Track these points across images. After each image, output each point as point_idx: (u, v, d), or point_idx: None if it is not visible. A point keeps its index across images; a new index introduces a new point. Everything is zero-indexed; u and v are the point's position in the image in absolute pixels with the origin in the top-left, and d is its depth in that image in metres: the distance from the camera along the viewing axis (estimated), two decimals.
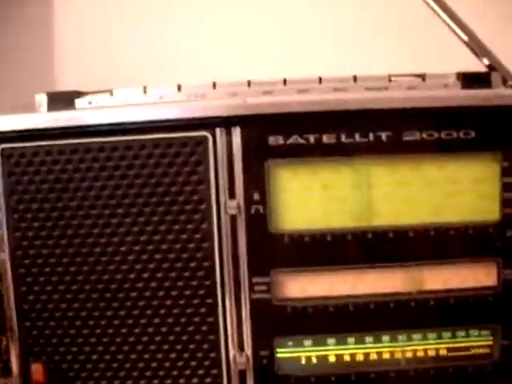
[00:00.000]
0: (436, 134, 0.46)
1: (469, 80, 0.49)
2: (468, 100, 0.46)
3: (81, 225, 0.47)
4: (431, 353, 0.48)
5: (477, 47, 0.57)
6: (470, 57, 0.57)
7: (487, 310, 0.48)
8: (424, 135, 0.46)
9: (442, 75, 0.50)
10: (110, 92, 0.48)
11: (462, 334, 0.48)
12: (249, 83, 0.48)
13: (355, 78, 0.48)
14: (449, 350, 0.48)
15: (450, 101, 0.46)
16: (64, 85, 0.77)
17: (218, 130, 0.46)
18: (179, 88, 0.48)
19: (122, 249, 0.46)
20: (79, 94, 0.49)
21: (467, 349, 0.48)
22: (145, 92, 0.48)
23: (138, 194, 0.46)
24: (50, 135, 0.46)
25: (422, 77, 0.49)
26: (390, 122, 0.46)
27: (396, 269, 0.47)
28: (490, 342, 0.48)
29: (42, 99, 0.48)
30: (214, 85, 0.48)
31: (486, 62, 0.57)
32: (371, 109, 0.46)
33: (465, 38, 0.57)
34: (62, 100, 0.48)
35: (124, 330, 0.47)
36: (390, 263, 0.47)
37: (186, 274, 0.46)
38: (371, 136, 0.46)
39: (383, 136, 0.46)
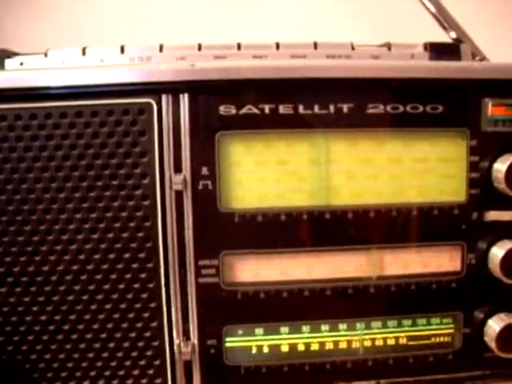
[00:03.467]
0: (401, 108, 0.43)
1: (437, 51, 0.46)
2: (436, 72, 0.43)
3: (10, 200, 0.42)
4: (391, 342, 0.45)
5: (444, 20, 0.54)
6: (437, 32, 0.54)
7: (449, 296, 0.45)
8: (388, 108, 0.43)
9: (408, 45, 0.46)
10: (45, 53, 0.44)
11: (423, 321, 0.45)
12: (199, 47, 0.44)
13: (315, 45, 0.44)
14: (409, 338, 0.46)
15: (416, 72, 0.43)
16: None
17: (163, 97, 0.41)
18: (122, 50, 0.44)
19: (56, 227, 0.42)
20: (10, 54, 0.44)
21: (428, 337, 0.46)
22: (83, 54, 0.44)
23: (74, 167, 0.41)
24: None
25: (388, 46, 0.46)
26: (352, 93, 0.42)
27: (355, 252, 0.44)
28: (452, 331, 0.46)
29: None
30: (161, 47, 0.44)
31: (454, 35, 0.54)
32: (332, 78, 0.42)
33: (433, 9, 0.54)
34: None
35: (58, 317, 0.42)
36: (348, 246, 0.44)
37: (127, 255, 0.42)
38: (331, 108, 0.42)
39: (344, 108, 0.42)
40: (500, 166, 0.43)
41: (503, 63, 0.45)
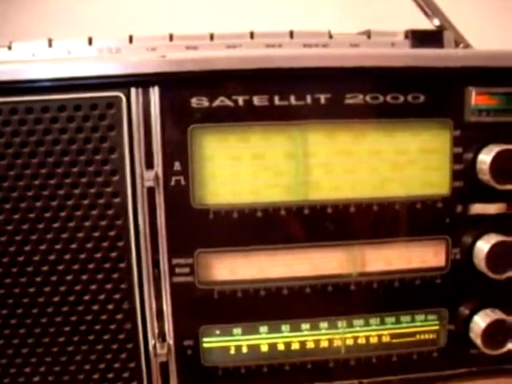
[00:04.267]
0: (381, 98, 0.41)
1: (419, 38, 0.44)
2: (417, 60, 0.41)
3: None
4: (373, 340, 0.44)
5: (427, 6, 0.52)
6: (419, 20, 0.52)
7: (434, 292, 0.44)
8: (368, 98, 0.41)
9: (389, 33, 0.45)
10: (9, 46, 0.42)
11: (407, 319, 0.44)
12: (171, 37, 0.42)
13: (291, 34, 0.43)
14: (392, 336, 0.44)
15: (397, 60, 0.41)
16: None
17: (133, 90, 0.39)
18: (90, 41, 0.42)
19: (24, 227, 0.40)
20: None
21: (412, 335, 0.44)
22: (50, 45, 0.42)
23: (41, 164, 0.40)
24: None
25: (367, 34, 0.44)
26: (330, 83, 0.41)
27: (335, 248, 0.42)
28: (437, 327, 0.45)
29: None
30: (131, 38, 0.42)
31: (437, 22, 0.52)
32: (308, 67, 0.40)
33: None
34: None
35: (29, 321, 0.41)
36: (328, 242, 0.42)
37: (98, 255, 0.40)
38: (308, 98, 0.41)
39: (322, 99, 0.41)
40: (484, 157, 0.42)
41: (487, 50, 0.43)
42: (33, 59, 0.41)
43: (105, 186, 0.40)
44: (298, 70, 0.40)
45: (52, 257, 0.40)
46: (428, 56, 0.42)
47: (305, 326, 0.43)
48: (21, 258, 0.40)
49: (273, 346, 0.43)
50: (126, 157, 0.40)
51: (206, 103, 0.40)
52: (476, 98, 0.42)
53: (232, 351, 0.43)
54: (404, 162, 0.43)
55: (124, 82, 0.40)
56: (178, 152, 0.40)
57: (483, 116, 0.43)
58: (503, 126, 0.43)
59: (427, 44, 0.44)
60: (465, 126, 0.42)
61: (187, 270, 0.41)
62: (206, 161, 0.41)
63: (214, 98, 0.40)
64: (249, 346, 0.43)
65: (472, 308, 0.44)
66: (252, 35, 0.42)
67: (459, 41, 0.49)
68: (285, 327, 0.43)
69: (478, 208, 0.43)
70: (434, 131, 0.43)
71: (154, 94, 0.40)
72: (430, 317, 0.44)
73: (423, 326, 0.44)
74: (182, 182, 0.40)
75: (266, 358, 0.43)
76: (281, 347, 0.43)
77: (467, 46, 0.51)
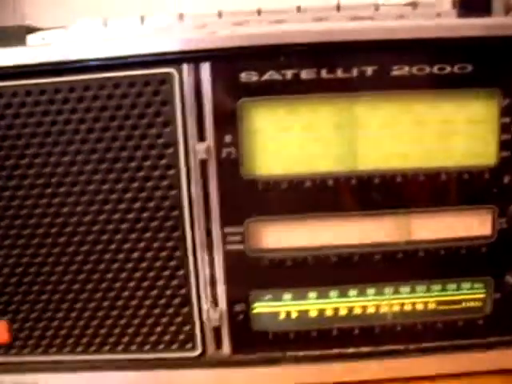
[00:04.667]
0: (428, 69, 0.42)
1: (466, 7, 0.44)
2: (464, 30, 0.41)
3: (39, 174, 0.42)
4: (419, 307, 0.45)
5: None
6: None
7: (480, 261, 0.44)
8: (414, 70, 0.41)
9: (435, 3, 0.45)
10: (66, 27, 0.44)
11: (453, 286, 0.45)
12: (219, 14, 0.43)
13: (338, 7, 0.43)
14: (438, 303, 0.45)
15: (443, 31, 0.41)
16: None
17: (185, 66, 0.41)
18: (142, 20, 0.43)
19: (83, 199, 0.42)
20: (31, 30, 0.44)
21: (458, 302, 0.45)
22: (105, 26, 0.44)
23: (98, 140, 0.42)
24: None
25: (413, 5, 0.44)
26: (376, 56, 0.41)
27: (382, 217, 0.43)
28: (483, 295, 0.45)
29: None
30: (181, 16, 0.43)
31: None
32: (355, 40, 0.40)
33: None
34: (11, 36, 0.43)
35: (90, 286, 0.44)
36: (375, 211, 0.43)
37: (154, 224, 0.42)
38: (355, 71, 0.41)
39: (368, 71, 0.41)
40: None
41: None
42: (88, 39, 0.43)
43: (159, 158, 0.42)
44: (344, 43, 0.41)
45: (110, 226, 0.43)
46: (475, 25, 0.41)
47: (352, 292, 0.44)
48: (82, 228, 0.43)
49: (321, 312, 0.45)
50: (179, 130, 0.41)
51: (255, 77, 0.41)
52: None
53: (282, 316, 0.45)
54: (451, 132, 0.43)
55: (176, 59, 0.41)
56: (229, 125, 0.42)
57: None
58: None
59: (475, 12, 0.43)
60: None
61: (238, 238, 0.43)
62: (256, 133, 0.42)
63: (262, 73, 0.41)
64: (298, 312, 0.45)
65: None
66: (299, 9, 0.43)
67: (510, 6, 0.48)
68: (333, 293, 0.44)
69: None
70: (481, 101, 0.43)
71: (205, 69, 0.41)
72: (476, 285, 0.45)
73: (469, 294, 0.45)
74: (233, 154, 0.42)
75: (314, 323, 0.45)
76: (329, 313, 0.45)
77: None
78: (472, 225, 0.44)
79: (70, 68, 0.41)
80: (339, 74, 0.41)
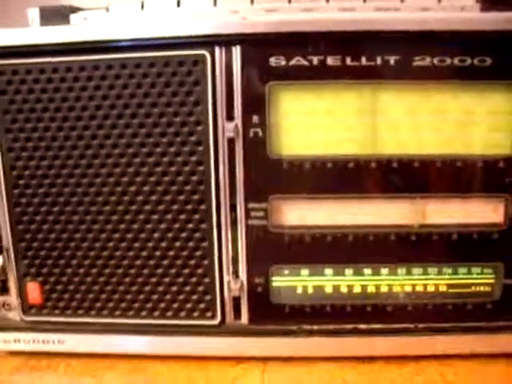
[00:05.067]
0: (448, 60, 0.44)
1: (489, 1, 0.45)
2: (485, 24, 0.43)
3: (75, 146, 0.45)
4: (431, 288, 0.47)
5: None
6: None
7: (491, 247, 0.46)
8: (435, 61, 0.43)
9: None
10: (106, 8, 0.46)
11: (464, 270, 0.47)
12: (251, 1, 0.45)
13: None
14: (449, 286, 0.47)
15: (465, 24, 0.43)
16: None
17: (217, 49, 0.43)
18: (178, 4, 0.46)
19: (117, 170, 0.45)
20: (74, 10, 0.47)
21: (468, 286, 0.47)
22: (142, 8, 0.46)
23: (133, 115, 0.44)
24: (43, 51, 0.44)
25: None
26: (399, 46, 0.43)
27: (399, 200, 0.45)
28: (492, 281, 0.47)
29: (34, 14, 0.46)
30: (215, 1, 0.45)
31: None
32: (379, 30, 0.43)
33: None
34: (55, 15, 0.46)
35: (119, 253, 0.46)
36: (392, 194, 0.45)
37: (181, 197, 0.45)
38: (379, 60, 0.43)
39: (391, 60, 0.43)
40: None
41: None
42: (127, 20, 0.45)
43: (189, 135, 0.44)
44: (369, 32, 0.43)
45: (140, 197, 0.45)
46: (496, 19, 0.43)
47: (367, 270, 0.46)
48: (113, 198, 0.46)
49: (336, 288, 0.47)
50: (209, 109, 0.44)
51: (283, 62, 0.43)
52: None
53: (299, 290, 0.47)
54: (468, 122, 0.45)
55: (209, 42, 0.43)
56: (257, 106, 0.44)
57: None
58: None
59: (498, 6, 0.45)
60: None
61: (261, 213, 0.45)
62: (282, 115, 0.44)
63: (290, 58, 0.43)
64: (314, 287, 0.47)
65: None
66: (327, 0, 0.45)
67: None
68: (348, 271, 0.47)
69: None
70: (500, 93, 0.44)
71: (236, 52, 0.43)
72: (486, 270, 0.47)
73: (479, 279, 0.47)
74: (260, 134, 0.44)
75: (329, 298, 0.47)
76: (344, 289, 0.47)
77: None
78: (485, 212, 0.46)
79: (109, 47, 0.44)
80: (363, 61, 0.43)
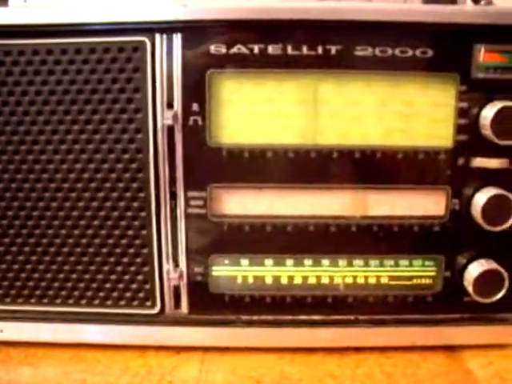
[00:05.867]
0: (390, 51, 0.44)
1: None
2: (429, 16, 0.43)
3: (15, 131, 0.45)
4: (372, 280, 0.47)
5: None
6: None
7: (432, 240, 0.46)
8: (377, 51, 0.43)
9: None
10: None
11: (405, 262, 0.47)
12: None
13: None
14: (390, 278, 0.47)
15: (408, 16, 0.43)
16: None
17: (157, 36, 0.43)
18: None
19: (56, 157, 0.45)
20: None
21: (409, 278, 0.47)
22: None
23: (73, 101, 0.44)
24: None
25: None
26: (341, 36, 0.43)
27: (340, 191, 0.45)
28: (433, 273, 0.47)
29: None
30: None
31: None
32: (321, 20, 0.42)
33: None
34: None
35: (58, 240, 0.46)
36: (333, 185, 0.45)
37: (121, 185, 0.45)
38: (320, 49, 0.43)
39: (333, 50, 0.43)
40: (487, 113, 0.43)
41: (498, 7, 0.45)
42: (69, 4, 0.45)
43: (129, 122, 0.44)
44: (310, 21, 0.43)
45: (79, 185, 0.45)
46: (438, 11, 0.43)
47: (307, 261, 0.46)
48: (53, 185, 0.45)
49: (277, 279, 0.47)
50: (148, 97, 0.43)
51: (223, 50, 0.43)
52: (484, 55, 0.44)
53: (239, 280, 0.47)
54: (409, 113, 0.45)
55: (149, 29, 0.43)
56: (197, 94, 0.44)
57: (490, 73, 0.44)
58: (509, 84, 0.44)
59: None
60: (471, 82, 0.44)
61: (201, 202, 0.45)
62: (222, 103, 0.44)
63: (231, 46, 0.43)
64: (254, 277, 0.47)
65: (468, 257, 0.47)
66: None
67: None
68: (289, 262, 0.46)
69: (479, 162, 0.45)
70: (440, 85, 0.44)
71: (177, 40, 0.43)
72: (427, 262, 0.47)
73: (420, 271, 0.47)
74: (199, 122, 0.44)
75: (269, 289, 0.47)
76: (284, 280, 0.47)
77: (489, 2, 0.52)
78: (426, 204, 0.46)
79: (48, 31, 0.43)
80: (304, 51, 0.43)
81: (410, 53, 0.44)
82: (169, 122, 0.44)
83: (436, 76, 0.44)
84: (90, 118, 0.44)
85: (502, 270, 0.46)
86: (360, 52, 0.43)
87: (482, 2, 0.50)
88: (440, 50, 0.44)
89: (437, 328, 0.48)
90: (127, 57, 0.43)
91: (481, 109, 0.44)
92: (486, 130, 0.44)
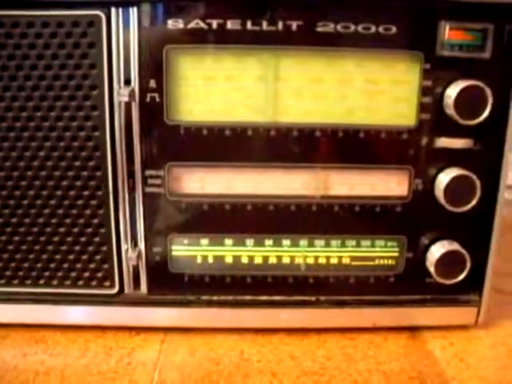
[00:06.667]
0: (352, 27, 0.43)
1: None
2: None
3: None
4: (333, 261, 0.47)
5: None
6: None
7: (395, 220, 0.46)
8: (339, 27, 0.43)
9: None
10: None
11: (367, 243, 0.47)
12: None
13: None
14: (352, 258, 0.47)
15: None
16: None
17: (113, 10, 0.42)
18: None
19: (11, 135, 0.43)
20: None
21: (371, 259, 0.47)
22: None
23: (27, 77, 0.42)
24: None
25: None
26: (302, 11, 0.42)
27: (300, 170, 0.45)
28: (395, 254, 0.47)
29: None
30: None
31: None
32: None
33: None
34: None
35: (15, 220, 0.45)
36: (293, 164, 0.44)
37: (77, 163, 0.44)
38: (280, 24, 0.42)
39: (294, 25, 0.42)
40: (450, 92, 0.43)
41: None
42: None
43: (85, 99, 0.43)
44: None
45: (35, 163, 0.44)
46: None
47: (268, 241, 0.46)
48: (8, 163, 0.44)
49: (237, 259, 0.46)
50: (104, 73, 0.42)
51: (181, 25, 0.42)
52: (449, 33, 0.43)
53: (198, 260, 0.46)
54: (373, 91, 0.44)
55: (104, 2, 0.42)
56: (154, 70, 0.43)
57: (455, 51, 0.43)
58: (474, 62, 0.44)
59: None
60: (436, 60, 0.43)
61: (158, 181, 0.44)
62: (180, 80, 0.43)
63: (189, 21, 0.42)
64: (214, 257, 0.46)
65: (431, 238, 0.46)
66: None
67: None
68: (249, 241, 0.46)
69: (443, 142, 0.45)
70: (404, 63, 0.44)
71: (133, 14, 0.42)
72: (390, 243, 0.47)
73: (382, 252, 0.47)
74: (157, 99, 0.43)
75: (229, 269, 0.46)
76: (244, 260, 0.46)
77: None
78: (388, 184, 0.46)
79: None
80: (264, 26, 0.42)
81: (373, 29, 0.43)
82: (125, 98, 0.42)
83: (400, 53, 0.43)
84: (45, 95, 0.43)
85: (464, 252, 0.45)
86: (321, 28, 0.42)
87: None
88: (404, 26, 0.43)
89: (398, 309, 0.47)
90: (82, 31, 0.42)
91: (445, 88, 0.43)
92: (450, 110, 0.43)
